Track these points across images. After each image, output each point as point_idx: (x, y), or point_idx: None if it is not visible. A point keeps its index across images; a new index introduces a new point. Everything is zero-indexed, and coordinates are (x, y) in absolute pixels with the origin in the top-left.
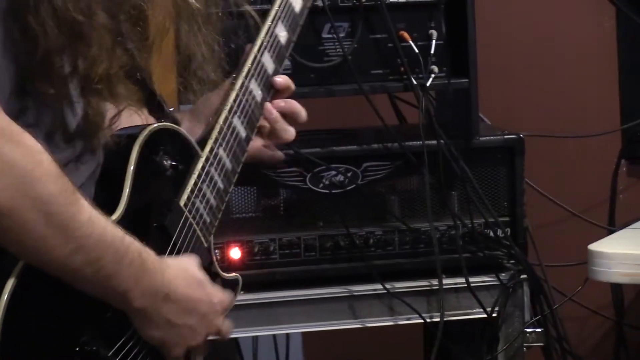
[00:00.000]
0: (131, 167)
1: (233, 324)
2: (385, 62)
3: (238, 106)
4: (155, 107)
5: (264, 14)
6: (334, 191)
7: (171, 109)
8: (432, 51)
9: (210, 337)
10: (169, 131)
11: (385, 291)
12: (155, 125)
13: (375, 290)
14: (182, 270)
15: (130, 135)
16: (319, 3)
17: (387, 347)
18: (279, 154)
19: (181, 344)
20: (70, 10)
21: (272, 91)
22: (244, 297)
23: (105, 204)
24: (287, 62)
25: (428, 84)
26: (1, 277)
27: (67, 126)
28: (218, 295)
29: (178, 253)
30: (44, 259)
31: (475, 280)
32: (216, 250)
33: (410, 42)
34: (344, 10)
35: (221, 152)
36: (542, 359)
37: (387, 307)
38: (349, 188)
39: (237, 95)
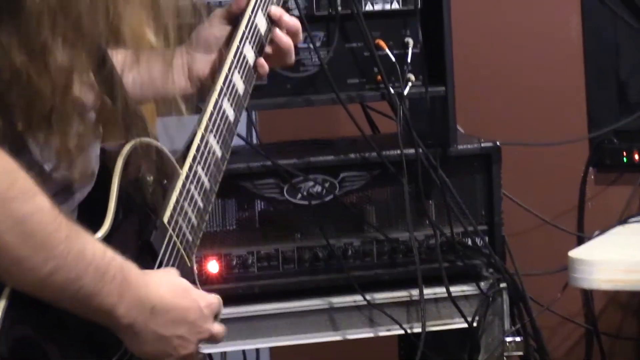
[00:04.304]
0: (115, 185)
1: (225, 328)
2: (362, 71)
3: (213, 125)
4: (132, 122)
5: None
6: (312, 202)
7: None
8: (409, 60)
9: (204, 343)
10: (149, 147)
11: (364, 302)
12: (135, 141)
13: (354, 301)
14: (166, 279)
15: (112, 152)
16: (295, 12)
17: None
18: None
19: (174, 355)
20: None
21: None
22: (222, 311)
23: (91, 222)
24: None
25: (405, 92)
26: None
27: (38, 165)
28: (205, 300)
29: None
30: (23, 280)
31: (454, 290)
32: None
33: (387, 50)
34: (319, 19)
35: (200, 170)
36: None
37: (367, 319)
38: (326, 199)
39: (212, 114)
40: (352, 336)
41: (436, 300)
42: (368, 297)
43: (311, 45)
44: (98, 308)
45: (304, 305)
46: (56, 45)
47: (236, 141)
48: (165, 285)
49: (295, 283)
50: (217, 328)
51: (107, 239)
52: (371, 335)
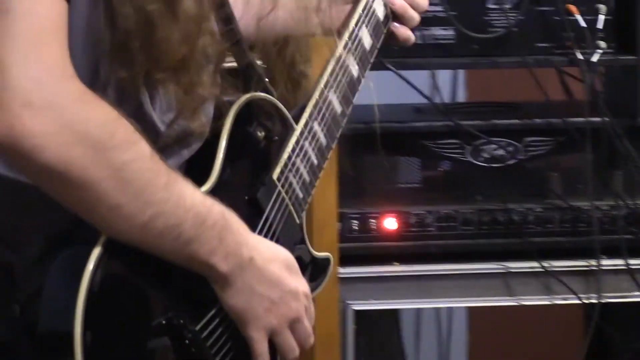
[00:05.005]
0: (224, 139)
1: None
2: (552, 36)
3: (334, 80)
4: (250, 76)
5: None
6: (493, 165)
7: (266, 79)
8: (600, 26)
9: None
10: (263, 102)
11: (542, 269)
12: (249, 95)
13: (531, 268)
14: (269, 243)
15: (224, 106)
16: None
17: (547, 325)
18: (411, 36)
19: (261, 317)
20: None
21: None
22: (398, 269)
23: (198, 176)
24: (450, 32)
25: (594, 59)
26: (86, 246)
27: (147, 116)
28: (304, 286)
29: (270, 228)
30: (122, 227)
31: (635, 262)
32: (372, 220)
33: (578, 15)
34: None
35: (316, 126)
36: None
37: (544, 286)
38: (509, 162)
39: (334, 69)
40: (526, 302)
41: (616, 272)
42: (546, 264)
43: (501, 7)
44: (196, 254)
45: (480, 268)
46: None
47: (422, 100)
48: (266, 245)
49: (472, 245)
50: (307, 323)
51: (212, 193)
52: (547, 303)
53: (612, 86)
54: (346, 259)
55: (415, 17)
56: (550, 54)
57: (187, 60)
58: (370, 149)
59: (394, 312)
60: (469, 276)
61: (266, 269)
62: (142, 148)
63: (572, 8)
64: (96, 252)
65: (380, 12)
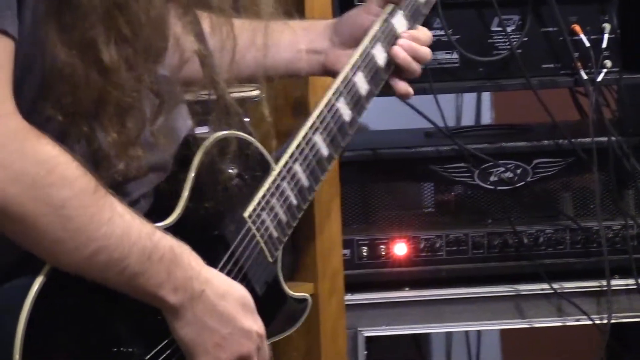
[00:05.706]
0: (192, 173)
1: None
2: (557, 56)
3: (321, 123)
4: (230, 114)
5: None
6: (501, 188)
7: (246, 119)
8: (605, 45)
9: None
10: (238, 140)
11: (552, 291)
12: (223, 133)
13: (542, 290)
14: (225, 280)
15: (197, 141)
16: None
17: (565, 346)
18: (411, 91)
19: (210, 351)
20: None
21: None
22: (408, 294)
23: (162, 209)
24: (454, 56)
25: (599, 79)
26: (30, 274)
27: (99, 150)
28: (258, 326)
29: (236, 264)
30: (65, 260)
31: None
32: (381, 246)
33: (582, 35)
34: (514, 3)
35: (297, 167)
36: None
37: (555, 308)
38: (518, 185)
39: (322, 112)
40: (538, 324)
41: (628, 292)
42: (556, 285)
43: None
44: (143, 287)
45: (491, 292)
46: (106, 42)
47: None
48: (221, 280)
49: (483, 269)
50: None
51: (175, 227)
52: (559, 324)
53: (624, 105)
54: (356, 286)
55: (418, 70)
56: (555, 74)
57: (103, 106)
58: (378, 175)
59: (415, 337)
60: (480, 300)
61: (218, 304)
62: (84, 183)
63: (577, 28)
64: (39, 280)
65: (380, 59)
